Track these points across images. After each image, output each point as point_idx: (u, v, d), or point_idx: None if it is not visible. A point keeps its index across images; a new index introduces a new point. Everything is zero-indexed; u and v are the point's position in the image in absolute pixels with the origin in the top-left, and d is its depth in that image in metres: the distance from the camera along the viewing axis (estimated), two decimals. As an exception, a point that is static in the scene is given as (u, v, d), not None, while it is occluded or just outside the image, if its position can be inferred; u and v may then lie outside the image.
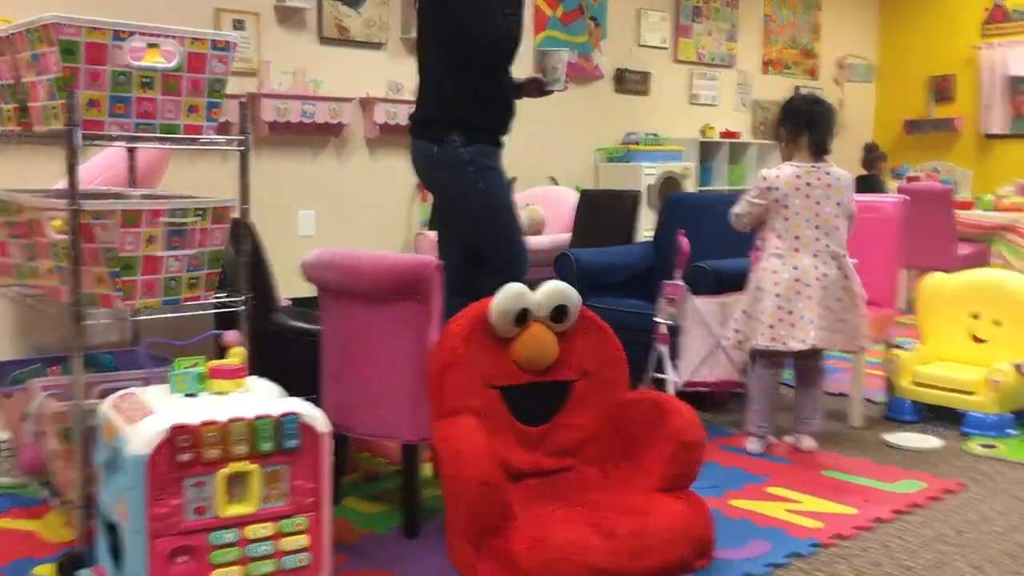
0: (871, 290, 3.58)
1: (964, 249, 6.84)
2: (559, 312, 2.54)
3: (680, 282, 3.70)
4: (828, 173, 3.37)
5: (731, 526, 2.62)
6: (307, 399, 2.19)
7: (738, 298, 3.51)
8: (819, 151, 3.38)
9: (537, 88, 3.51)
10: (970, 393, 3.76)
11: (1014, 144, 9.37)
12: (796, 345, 3.28)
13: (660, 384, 3.83)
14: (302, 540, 2.12)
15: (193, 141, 2.49)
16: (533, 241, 5.08)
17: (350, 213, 5.63)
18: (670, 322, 3.69)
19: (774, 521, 2.73)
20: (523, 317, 2.49)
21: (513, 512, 2.23)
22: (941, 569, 2.45)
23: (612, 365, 2.64)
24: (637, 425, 2.54)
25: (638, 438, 2.52)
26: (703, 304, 3.71)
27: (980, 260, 6.90)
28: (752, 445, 3.43)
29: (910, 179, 9.35)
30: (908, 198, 4.27)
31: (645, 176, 7.01)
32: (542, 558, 2.15)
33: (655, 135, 7.45)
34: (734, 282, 3.72)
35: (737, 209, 3.49)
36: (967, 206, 7.32)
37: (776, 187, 3.35)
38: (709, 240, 4.11)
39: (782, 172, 3.37)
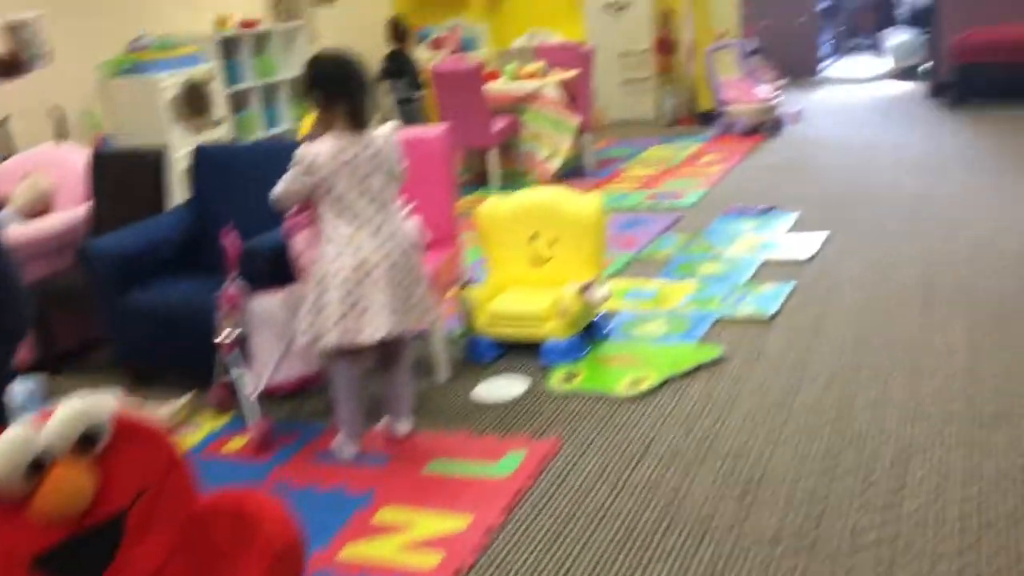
0: (431, 229, 3.39)
1: (497, 123, 6.98)
2: (86, 440, 1.98)
3: (235, 288, 3.24)
4: (370, 145, 3.01)
5: (347, 597, 2.35)
6: None
7: (303, 288, 3.14)
8: (358, 122, 3.00)
9: (10, 69, 2.88)
10: (542, 321, 3.79)
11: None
12: (369, 338, 2.98)
13: (231, 388, 3.40)
14: None
15: None
16: (40, 226, 4.22)
17: None
18: (236, 331, 3.25)
19: (391, 572, 2.50)
20: (37, 465, 1.90)
21: None
22: (562, 585, 2.40)
23: (171, 471, 2.15)
24: (219, 540, 2.11)
25: (223, 555, 2.10)
26: (267, 303, 3.29)
27: (513, 131, 7.12)
28: (346, 450, 3.15)
29: (436, 41, 9.35)
30: (448, 125, 4.09)
31: (163, 89, 6.21)
32: None
33: (167, 37, 6.56)
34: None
35: (279, 189, 3.06)
36: (493, 76, 7.44)
37: (319, 165, 2.96)
38: (247, 199, 3.65)
39: (323, 149, 2.97)
